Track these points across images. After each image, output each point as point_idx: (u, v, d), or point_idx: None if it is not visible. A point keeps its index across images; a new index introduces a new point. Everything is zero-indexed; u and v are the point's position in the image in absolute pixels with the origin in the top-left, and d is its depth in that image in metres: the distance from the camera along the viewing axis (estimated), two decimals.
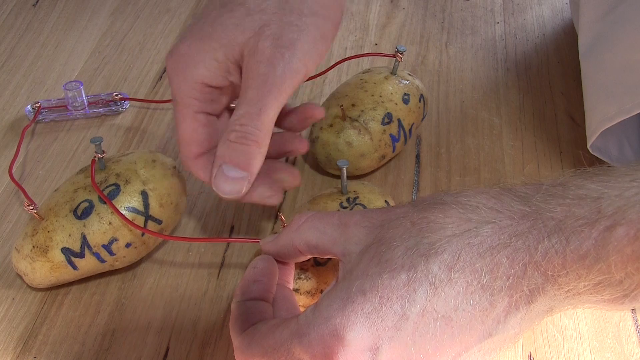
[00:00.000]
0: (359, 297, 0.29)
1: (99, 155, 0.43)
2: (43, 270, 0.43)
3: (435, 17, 0.71)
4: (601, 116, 0.48)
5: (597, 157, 0.53)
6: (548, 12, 0.72)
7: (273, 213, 0.51)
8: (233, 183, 0.39)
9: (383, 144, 0.51)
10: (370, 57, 0.65)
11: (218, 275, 0.47)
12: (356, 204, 0.42)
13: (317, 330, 0.30)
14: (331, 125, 0.51)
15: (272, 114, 0.39)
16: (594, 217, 0.27)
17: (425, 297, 0.29)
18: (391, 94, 0.51)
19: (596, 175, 0.29)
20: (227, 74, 0.40)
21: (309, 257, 0.37)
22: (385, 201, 0.45)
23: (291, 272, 0.39)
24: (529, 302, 0.29)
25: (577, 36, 0.58)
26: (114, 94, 0.59)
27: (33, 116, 0.57)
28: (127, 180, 0.43)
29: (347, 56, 0.61)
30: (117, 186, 0.43)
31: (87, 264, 0.43)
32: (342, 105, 0.50)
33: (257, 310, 0.35)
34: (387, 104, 0.51)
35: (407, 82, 0.53)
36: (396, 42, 0.68)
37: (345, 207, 0.42)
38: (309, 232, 0.35)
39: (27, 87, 0.62)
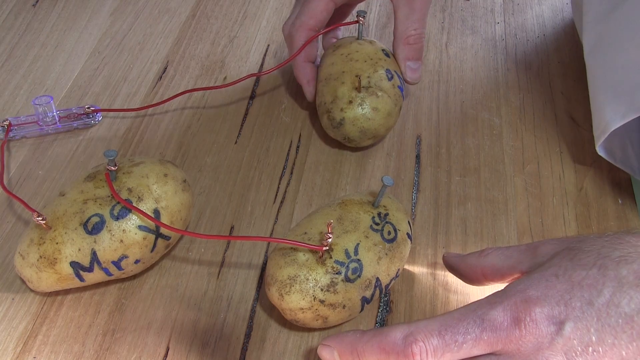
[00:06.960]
0: (552, 278, 0.33)
1: (112, 168, 0.43)
2: (49, 280, 0.42)
3: (435, 17, 0.71)
4: (610, 115, 0.48)
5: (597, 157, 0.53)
6: (548, 12, 0.72)
7: (273, 213, 0.51)
8: (417, 72, 0.56)
9: (398, 97, 0.54)
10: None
11: (218, 275, 0.47)
12: (386, 222, 0.43)
13: (510, 299, 0.32)
14: (350, 102, 0.52)
15: None
16: None
17: (612, 292, 0.31)
18: (375, 53, 0.54)
19: None
20: None
21: (485, 284, 0.41)
22: (408, 221, 0.45)
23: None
24: None
25: (578, 36, 0.58)
26: (86, 106, 0.58)
27: (4, 134, 0.55)
28: (139, 197, 0.42)
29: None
30: (129, 203, 0.42)
31: (95, 277, 0.43)
32: (358, 76, 0.52)
33: None
34: (379, 62, 0.54)
35: (373, 41, 0.56)
36: None
37: (377, 223, 0.43)
38: (495, 257, 0.39)
39: (27, 87, 0.62)
